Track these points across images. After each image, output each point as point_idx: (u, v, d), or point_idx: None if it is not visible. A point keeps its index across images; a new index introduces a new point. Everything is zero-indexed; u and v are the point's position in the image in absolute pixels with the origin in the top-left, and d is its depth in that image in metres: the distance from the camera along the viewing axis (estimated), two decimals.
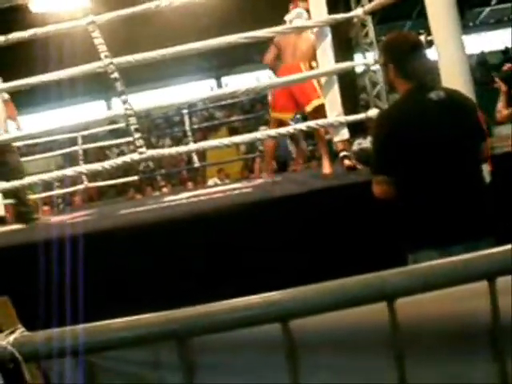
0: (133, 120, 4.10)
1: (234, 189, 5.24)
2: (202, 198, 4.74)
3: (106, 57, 4.06)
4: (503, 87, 5.30)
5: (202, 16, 10.96)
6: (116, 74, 4.08)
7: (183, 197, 5.56)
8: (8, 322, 1.14)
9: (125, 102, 4.09)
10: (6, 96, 5.53)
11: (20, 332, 1.12)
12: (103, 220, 4.60)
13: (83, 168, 4.57)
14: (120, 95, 4.10)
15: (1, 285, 1.46)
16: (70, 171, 4.36)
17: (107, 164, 4.24)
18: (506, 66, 5.68)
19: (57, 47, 8.81)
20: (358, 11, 4.70)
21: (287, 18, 4.98)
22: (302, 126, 4.45)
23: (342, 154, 4.48)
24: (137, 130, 4.10)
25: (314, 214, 3.29)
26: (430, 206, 2.38)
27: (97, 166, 4.36)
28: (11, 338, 1.09)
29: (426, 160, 2.35)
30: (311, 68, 4.85)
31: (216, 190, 5.92)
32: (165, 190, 11.03)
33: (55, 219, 5.79)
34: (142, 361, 1.19)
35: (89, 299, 1.93)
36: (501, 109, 5.36)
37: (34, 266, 2.66)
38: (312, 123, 4.29)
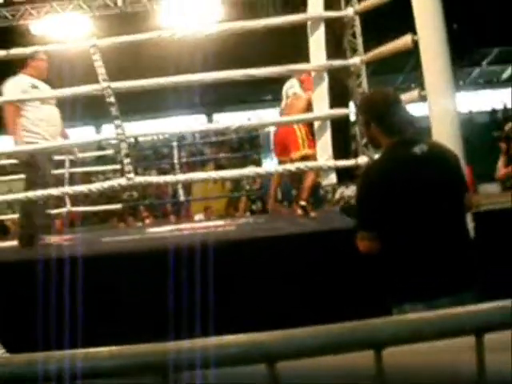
0: (124, 145, 4.11)
1: (218, 226, 5.23)
2: (186, 232, 4.71)
3: (104, 80, 4.09)
4: (503, 146, 5.46)
5: (200, 50, 11.06)
6: (112, 99, 4.10)
7: (167, 229, 5.53)
8: None
9: (118, 127, 4.10)
10: None
11: (1, 353, 1.09)
12: (85, 246, 4.55)
13: (69, 189, 4.55)
14: (114, 120, 4.11)
15: None
16: (55, 191, 4.33)
17: (93, 187, 4.22)
18: (508, 126, 5.84)
19: (54, 68, 8.85)
20: (355, 60, 4.78)
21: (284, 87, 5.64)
22: (292, 167, 4.48)
23: (301, 202, 4.98)
24: (127, 156, 4.10)
25: (299, 257, 3.29)
26: (414, 259, 2.37)
27: (83, 188, 4.34)
28: None
29: (410, 213, 2.36)
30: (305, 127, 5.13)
31: (200, 225, 5.90)
32: (147, 221, 10.97)
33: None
34: None
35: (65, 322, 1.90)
36: (500, 167, 5.53)
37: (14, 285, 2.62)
38: (301, 165, 4.33)
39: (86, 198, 11.87)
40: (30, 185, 4.69)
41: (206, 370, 1.00)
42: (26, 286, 2.75)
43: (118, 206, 10.67)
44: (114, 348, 1.08)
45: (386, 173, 2.42)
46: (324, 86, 4.48)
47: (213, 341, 1.04)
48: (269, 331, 1.04)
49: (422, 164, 2.39)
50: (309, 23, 4.49)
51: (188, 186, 11.43)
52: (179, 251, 3.36)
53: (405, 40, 3.84)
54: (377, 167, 2.55)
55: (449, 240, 2.40)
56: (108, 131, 15.87)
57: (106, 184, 4.37)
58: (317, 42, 4.50)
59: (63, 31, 13.62)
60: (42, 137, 4.83)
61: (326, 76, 4.47)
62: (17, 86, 4.88)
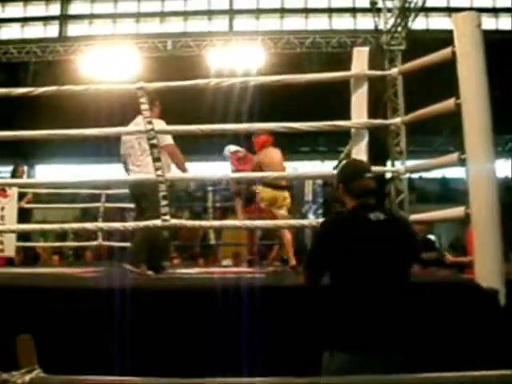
0: (162, 187, 4.18)
1: (246, 272, 5.23)
2: (215, 275, 4.73)
3: (148, 123, 4.19)
4: None
5: (243, 99, 11.27)
6: (155, 141, 4.20)
7: (195, 271, 5.55)
8: (27, 360, 1.15)
9: (158, 169, 4.18)
10: None
11: (37, 372, 1.12)
12: (113, 279, 4.59)
13: (104, 225, 4.62)
14: (155, 162, 4.20)
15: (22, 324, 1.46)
16: (90, 225, 4.41)
17: (128, 225, 4.28)
18: None
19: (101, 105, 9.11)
20: (396, 120, 4.82)
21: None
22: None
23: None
24: (164, 198, 4.17)
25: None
26: (351, 312, 2.59)
27: (118, 226, 4.41)
28: (27, 377, 1.09)
29: (355, 270, 2.64)
30: None
31: (227, 270, 5.92)
32: (175, 261, 11.00)
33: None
34: None
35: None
36: None
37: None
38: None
39: (116, 234, 11.98)
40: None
41: None
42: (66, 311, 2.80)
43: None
44: (145, 379, 1.10)
45: (339, 228, 2.76)
46: (363, 144, 4.50)
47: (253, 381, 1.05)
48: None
49: (374, 228, 2.70)
50: (352, 80, 4.55)
51: (219, 231, 11.49)
52: (207, 292, 3.38)
53: (448, 103, 3.87)
54: (334, 222, 2.89)
55: (386, 302, 2.62)
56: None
57: (142, 224, 4.44)
58: (359, 99, 4.55)
59: (112, 70, 14.01)
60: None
61: (366, 134, 4.50)
62: None
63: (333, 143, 19.48)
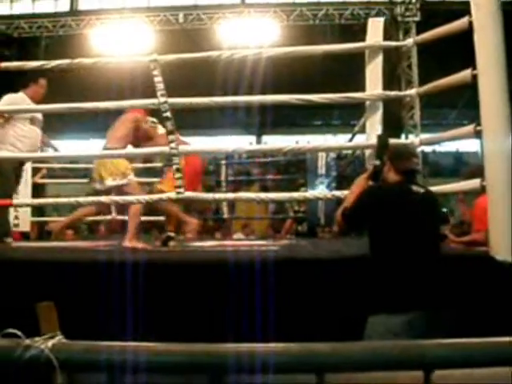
0: (176, 160, 4.18)
1: (262, 245, 5.25)
2: (230, 248, 4.75)
3: (161, 95, 4.18)
4: None
5: (256, 72, 11.19)
6: (168, 114, 4.19)
7: (210, 244, 5.57)
8: (49, 327, 1.16)
9: (171, 142, 4.18)
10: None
11: (59, 339, 1.13)
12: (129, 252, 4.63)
13: (119, 198, 4.62)
14: (168, 134, 4.20)
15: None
16: (105, 199, 4.43)
17: (142, 198, 4.29)
18: None
19: (113, 79, 9.09)
20: (411, 91, 4.78)
21: None
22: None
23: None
24: (178, 170, 4.17)
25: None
26: (396, 274, 2.84)
27: (132, 199, 4.42)
28: (50, 343, 1.11)
29: (398, 235, 2.91)
30: None
31: (242, 243, 5.93)
32: (189, 235, 11.03)
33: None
34: None
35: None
36: None
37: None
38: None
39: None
40: None
41: (264, 374, 1.01)
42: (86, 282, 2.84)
43: (162, 217, 10.79)
44: (163, 344, 1.11)
45: (387, 195, 3.07)
46: (378, 116, 4.47)
47: (265, 347, 1.06)
48: (319, 342, 1.06)
49: (416, 199, 3.03)
50: (367, 52, 4.50)
51: (232, 205, 11.51)
52: (221, 265, 3.39)
53: (464, 74, 3.82)
54: (382, 188, 3.17)
55: (427, 262, 2.91)
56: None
57: (156, 196, 4.44)
58: (373, 71, 4.50)
59: (123, 43, 13.95)
60: (19, 151, 5.28)
61: (380, 106, 4.46)
62: (15, 102, 5.32)
63: (346, 117, 19.38)
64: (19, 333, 1.17)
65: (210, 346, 1.08)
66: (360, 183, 3.29)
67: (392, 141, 3.80)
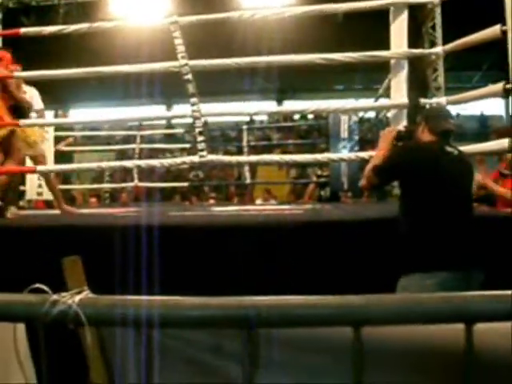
0: (199, 123, 4.14)
1: (285, 209, 5.21)
2: (253, 212, 4.72)
3: (182, 58, 4.12)
4: None
5: (278, 32, 11.03)
6: (190, 76, 4.13)
7: (233, 209, 5.56)
8: (76, 282, 1.13)
9: (193, 105, 4.13)
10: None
11: (86, 294, 1.10)
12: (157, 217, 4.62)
13: (142, 162, 4.61)
14: (191, 97, 4.14)
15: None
16: (128, 163, 4.41)
17: (166, 162, 4.27)
18: None
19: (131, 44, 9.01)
20: (437, 49, 4.66)
21: None
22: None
23: None
24: (201, 133, 4.13)
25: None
26: (431, 233, 2.83)
27: (155, 163, 4.39)
28: (77, 298, 1.08)
29: (433, 195, 2.88)
30: None
31: (265, 207, 5.91)
32: (211, 201, 11.06)
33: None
34: (203, 344, 1.16)
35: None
36: None
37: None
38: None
39: (151, 176, 12.07)
40: None
41: (293, 327, 0.98)
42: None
43: (185, 184, 10.83)
44: (195, 298, 1.07)
45: (422, 153, 3.03)
46: (403, 75, 4.36)
47: (302, 299, 1.02)
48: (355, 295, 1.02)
49: (451, 159, 3.00)
50: (391, 9, 4.37)
51: (254, 170, 11.49)
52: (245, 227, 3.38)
53: (493, 30, 3.70)
54: (416, 147, 3.15)
55: (462, 223, 2.90)
56: (179, 110, 15.97)
57: (179, 160, 4.41)
58: (398, 28, 4.38)
59: (142, 8, 13.83)
60: None
61: (405, 65, 4.35)
62: None
63: (368, 81, 19.10)
64: (46, 288, 1.14)
65: (244, 299, 1.04)
66: (386, 137, 3.25)
67: (423, 101, 3.68)
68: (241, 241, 3.24)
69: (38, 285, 1.15)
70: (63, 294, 1.08)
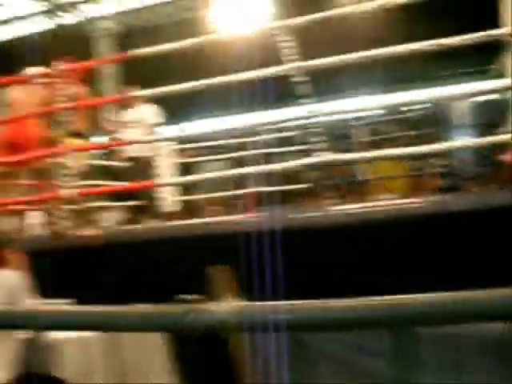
0: (314, 124, 4.13)
1: (411, 203, 5.08)
2: (379, 208, 4.64)
3: (292, 60, 4.13)
4: None
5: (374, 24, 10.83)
6: (303, 78, 4.13)
7: (357, 207, 5.48)
8: (228, 290, 1.16)
9: (309, 105, 4.13)
10: None
11: (238, 301, 1.13)
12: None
13: (265, 167, 4.64)
14: (306, 98, 4.14)
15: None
16: (251, 169, 4.47)
17: (288, 165, 4.27)
18: None
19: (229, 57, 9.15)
20: None
21: None
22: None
23: None
24: (316, 134, 4.12)
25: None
26: None
27: (278, 167, 4.40)
28: (229, 305, 1.10)
29: None
30: None
31: (389, 202, 5.78)
32: (328, 201, 10.96)
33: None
34: (346, 344, 1.16)
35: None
36: None
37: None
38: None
39: (266, 180, 12.15)
40: None
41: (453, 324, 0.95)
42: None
43: (306, 185, 10.81)
44: (342, 300, 1.07)
45: None
46: None
47: (452, 296, 0.98)
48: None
49: None
50: None
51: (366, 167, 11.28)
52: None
53: None
54: None
55: None
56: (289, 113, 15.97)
57: (306, 161, 4.37)
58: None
59: (241, 18, 13.96)
60: None
61: None
62: None
63: (463, 66, 18.25)
64: (191, 297, 1.18)
65: (391, 299, 1.02)
66: None
67: None
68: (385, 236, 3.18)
69: (181, 295, 1.19)
70: (220, 302, 1.10)
